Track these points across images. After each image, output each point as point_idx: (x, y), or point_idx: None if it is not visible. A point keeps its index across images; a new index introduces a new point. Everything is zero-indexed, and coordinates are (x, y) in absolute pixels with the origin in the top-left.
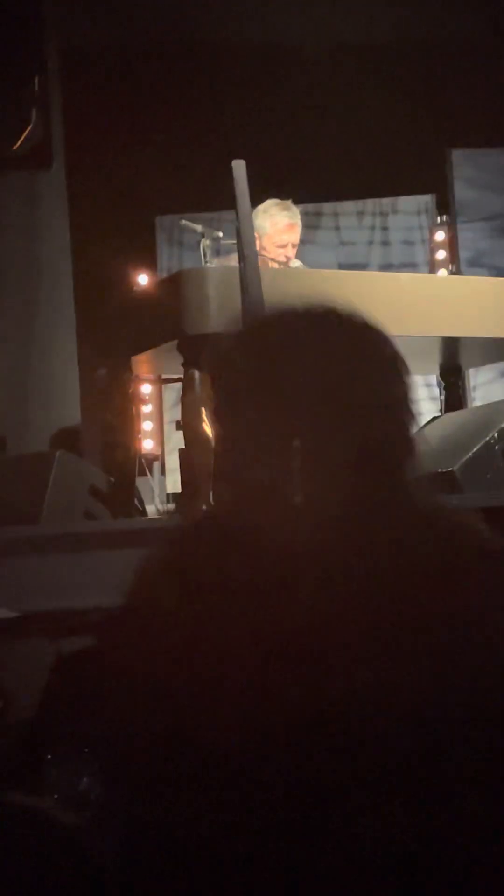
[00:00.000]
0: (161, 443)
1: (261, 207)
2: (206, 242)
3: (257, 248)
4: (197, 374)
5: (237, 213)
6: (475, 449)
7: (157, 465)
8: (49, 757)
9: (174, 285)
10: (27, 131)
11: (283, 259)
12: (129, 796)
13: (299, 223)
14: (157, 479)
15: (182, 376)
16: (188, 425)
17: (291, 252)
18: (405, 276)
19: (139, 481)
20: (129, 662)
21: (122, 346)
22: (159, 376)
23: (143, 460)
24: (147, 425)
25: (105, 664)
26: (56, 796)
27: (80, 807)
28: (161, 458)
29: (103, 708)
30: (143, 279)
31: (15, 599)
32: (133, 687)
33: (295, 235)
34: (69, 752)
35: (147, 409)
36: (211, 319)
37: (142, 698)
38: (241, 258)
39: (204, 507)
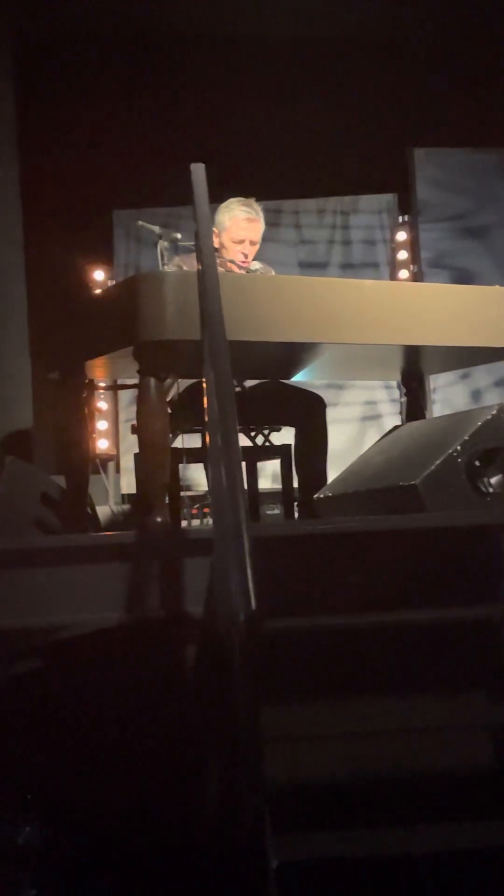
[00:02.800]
0: (116, 443)
1: (223, 205)
2: (163, 244)
3: (216, 244)
4: (153, 381)
5: (196, 217)
6: (438, 462)
7: (111, 465)
8: None
9: (130, 290)
10: None
11: (240, 258)
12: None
13: (260, 221)
14: (111, 479)
15: (138, 382)
16: (143, 432)
17: (249, 250)
18: (367, 283)
19: (93, 480)
20: (79, 688)
21: (76, 351)
22: (114, 381)
23: (97, 460)
24: (102, 425)
25: (54, 689)
26: None
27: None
28: (116, 457)
29: (51, 737)
30: (99, 275)
31: None
32: (82, 714)
33: (254, 232)
34: (9, 797)
35: (102, 406)
36: (168, 326)
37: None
38: (200, 262)
39: (159, 519)
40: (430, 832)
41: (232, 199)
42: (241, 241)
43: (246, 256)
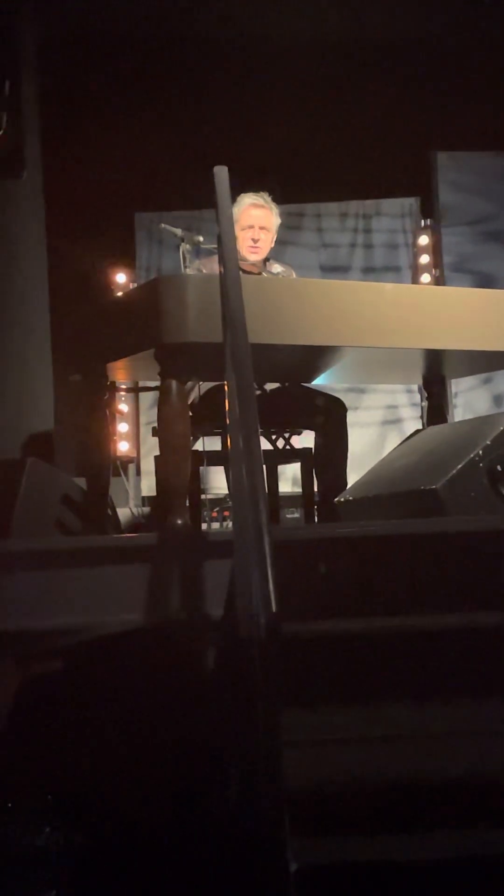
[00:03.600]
0: (137, 445)
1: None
2: (185, 247)
3: None
4: (174, 383)
5: (218, 220)
6: (459, 467)
7: (132, 467)
8: (9, 805)
9: (152, 292)
10: None
11: (249, 245)
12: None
13: (269, 208)
14: (132, 482)
15: (159, 384)
16: (164, 434)
17: (259, 234)
18: (389, 287)
19: (114, 482)
20: (99, 690)
21: (98, 353)
22: (136, 384)
23: (118, 462)
24: (123, 427)
25: (75, 691)
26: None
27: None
28: (137, 460)
29: (72, 738)
30: (121, 277)
31: None
32: (103, 717)
33: (262, 218)
34: (30, 797)
35: (123, 409)
36: (190, 328)
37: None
38: (223, 266)
39: (180, 521)
40: (447, 838)
41: (242, 194)
42: (250, 227)
43: (255, 242)
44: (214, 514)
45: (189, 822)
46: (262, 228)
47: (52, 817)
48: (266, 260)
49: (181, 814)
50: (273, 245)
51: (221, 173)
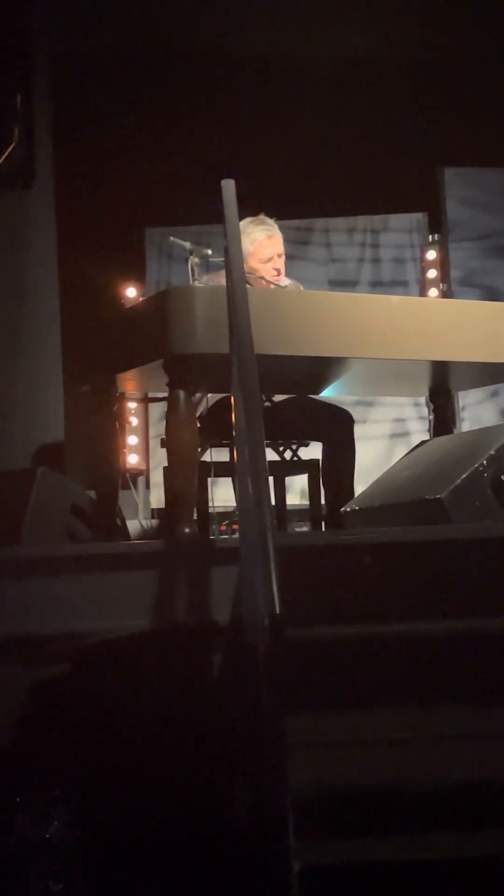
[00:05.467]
0: (146, 458)
1: None
2: (194, 260)
3: (246, 269)
4: (182, 393)
5: (226, 232)
6: (464, 476)
7: (141, 479)
8: (17, 800)
9: (161, 303)
10: (8, 150)
11: (273, 274)
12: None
13: (278, 233)
14: (141, 494)
15: (167, 395)
16: (172, 444)
17: (279, 262)
18: (395, 299)
19: (123, 495)
20: (107, 693)
21: (107, 364)
22: (145, 395)
23: (127, 475)
24: (132, 440)
25: (83, 695)
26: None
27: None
28: (146, 472)
29: (80, 740)
30: (131, 292)
31: None
32: (111, 719)
33: (277, 246)
34: (39, 792)
35: (133, 423)
36: (198, 339)
37: (118, 730)
38: (230, 278)
39: (187, 530)
40: (450, 840)
41: (244, 222)
42: (270, 259)
43: (279, 271)
44: (223, 528)
45: (194, 821)
46: (279, 256)
47: (60, 812)
48: None
49: (187, 813)
50: None
51: (229, 186)
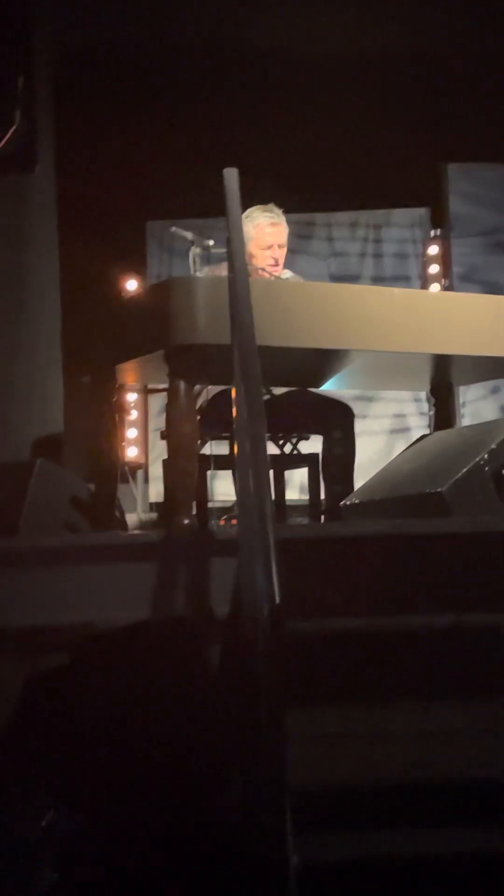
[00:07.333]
0: (145, 451)
1: (243, 215)
2: (196, 251)
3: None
4: (183, 384)
5: (228, 222)
6: (464, 470)
7: (140, 473)
8: (15, 790)
9: (162, 294)
10: (10, 133)
11: (271, 262)
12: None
13: (283, 224)
14: (140, 488)
15: (167, 386)
16: (172, 435)
17: (279, 253)
18: (397, 291)
19: (122, 489)
20: (105, 685)
21: (107, 354)
22: (145, 386)
23: (126, 468)
24: (132, 433)
25: (80, 685)
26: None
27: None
28: (145, 466)
29: (78, 731)
30: (132, 284)
31: None
32: (109, 711)
33: (279, 235)
34: (36, 783)
35: (132, 415)
36: (199, 330)
37: (115, 721)
38: (231, 268)
39: (186, 521)
40: (448, 835)
41: (252, 208)
42: (269, 247)
43: (276, 261)
44: (222, 523)
45: (193, 813)
46: (280, 247)
47: (56, 802)
48: None
49: (185, 805)
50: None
51: (231, 176)
